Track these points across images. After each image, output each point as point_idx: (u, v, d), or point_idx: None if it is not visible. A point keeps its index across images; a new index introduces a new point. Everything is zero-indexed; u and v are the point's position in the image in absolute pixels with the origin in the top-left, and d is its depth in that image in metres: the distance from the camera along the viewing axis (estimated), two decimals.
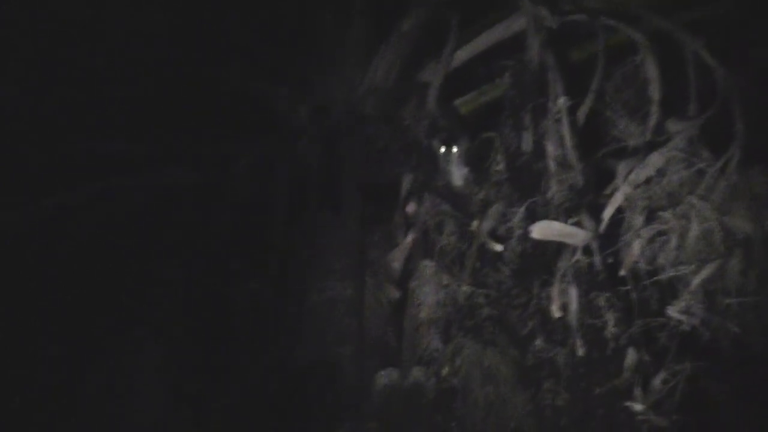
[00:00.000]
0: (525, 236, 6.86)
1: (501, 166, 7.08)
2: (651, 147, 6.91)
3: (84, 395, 7.74)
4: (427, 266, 7.20)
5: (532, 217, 6.88)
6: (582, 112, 7.17)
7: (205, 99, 8.25)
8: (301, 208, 7.96)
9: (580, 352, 6.69)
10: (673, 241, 6.78)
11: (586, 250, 6.80)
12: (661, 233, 6.81)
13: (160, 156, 8.22)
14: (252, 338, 7.74)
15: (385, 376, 7.29)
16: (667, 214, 6.77)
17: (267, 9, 8.22)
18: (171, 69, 8.13)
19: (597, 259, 6.80)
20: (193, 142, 8.31)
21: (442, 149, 7.38)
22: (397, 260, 7.55)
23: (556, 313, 6.75)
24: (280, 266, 7.93)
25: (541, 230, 6.80)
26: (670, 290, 6.76)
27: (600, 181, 7.02)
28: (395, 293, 7.61)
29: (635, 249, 6.80)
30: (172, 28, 8.13)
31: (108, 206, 8.12)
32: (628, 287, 6.74)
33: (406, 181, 7.60)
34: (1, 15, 7.73)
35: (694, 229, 6.71)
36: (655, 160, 6.84)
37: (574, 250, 6.81)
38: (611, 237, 6.88)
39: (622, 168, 6.93)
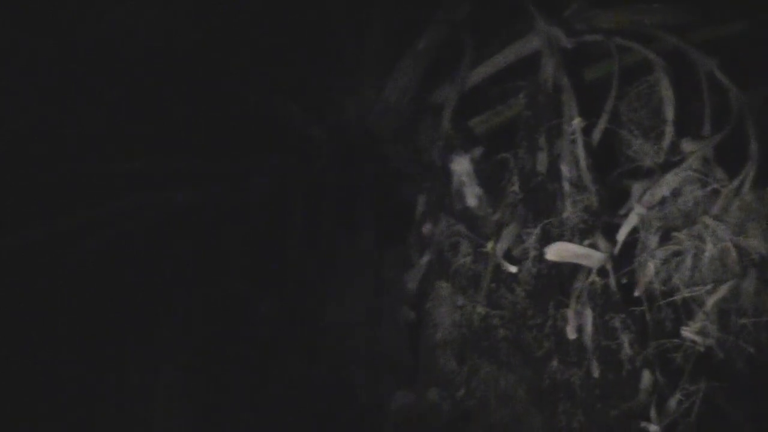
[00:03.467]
0: (540, 257, 6.85)
1: (516, 187, 7.07)
2: (665, 167, 6.89)
3: (99, 415, 7.75)
4: (442, 287, 7.19)
5: (546, 239, 6.87)
6: (596, 133, 7.16)
7: (220, 117, 8.26)
8: (316, 228, 7.96)
9: (596, 373, 6.68)
10: (688, 262, 6.76)
11: (601, 271, 6.78)
12: (675, 254, 6.79)
13: (174, 174, 8.23)
14: (267, 358, 7.74)
15: (401, 397, 7.30)
16: (681, 235, 6.75)
17: (283, 28, 8.24)
18: (185, 87, 8.15)
19: (612, 281, 6.78)
20: (208, 160, 8.32)
21: (457, 170, 7.37)
22: (412, 281, 7.54)
23: (571, 334, 6.73)
24: (295, 286, 7.93)
25: (556, 252, 6.79)
26: (685, 311, 6.75)
27: (614, 201, 7.01)
28: (410, 314, 7.60)
29: (650, 270, 6.78)
30: (187, 47, 8.15)
31: (122, 225, 8.13)
32: (643, 308, 6.73)
33: (421, 202, 7.59)
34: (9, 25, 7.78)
35: (709, 250, 6.70)
36: (670, 180, 6.82)
37: (589, 271, 6.80)
38: (626, 258, 6.87)
39: (636, 188, 6.92)
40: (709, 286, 6.71)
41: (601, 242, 6.79)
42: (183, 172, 8.24)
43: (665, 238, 6.82)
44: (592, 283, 6.77)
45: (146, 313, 7.93)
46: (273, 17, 8.25)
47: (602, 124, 7.17)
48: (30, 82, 8.01)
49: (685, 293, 6.75)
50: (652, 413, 6.64)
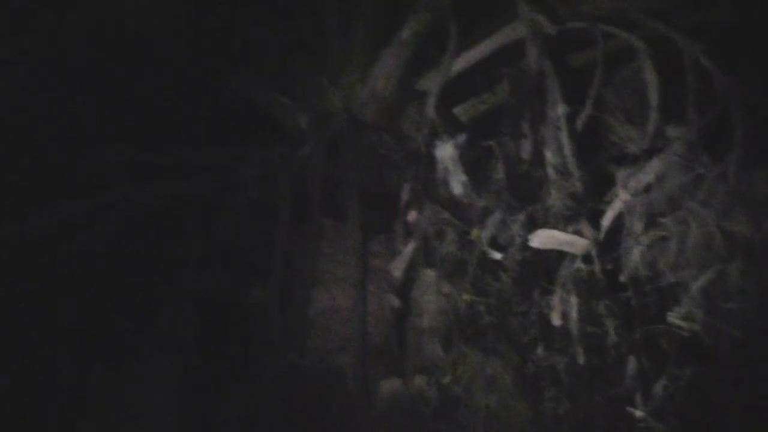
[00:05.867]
0: (525, 244, 6.87)
1: (500, 174, 7.09)
2: (650, 153, 6.91)
3: (91, 403, 7.75)
4: (428, 274, 7.21)
5: (532, 225, 6.89)
6: (581, 119, 7.17)
7: (207, 107, 8.27)
8: (303, 216, 7.96)
9: (581, 359, 6.70)
10: (673, 247, 6.80)
11: (586, 258, 6.80)
12: (661, 239, 6.83)
13: (162, 165, 8.24)
14: (254, 347, 7.75)
15: (388, 385, 7.31)
16: (666, 220, 6.79)
17: (269, 18, 8.25)
18: (172, 77, 8.15)
19: (597, 267, 6.79)
20: (196, 150, 8.33)
21: (442, 157, 7.37)
22: (398, 269, 7.54)
23: (557, 321, 6.76)
24: (283, 274, 7.94)
25: (541, 238, 6.82)
26: (671, 296, 6.78)
27: (599, 187, 7.02)
28: (397, 302, 7.61)
29: (635, 255, 6.82)
30: (175, 37, 8.15)
31: (113, 215, 8.13)
32: (629, 294, 6.75)
33: (406, 190, 7.59)
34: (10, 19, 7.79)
35: (694, 235, 6.73)
36: (655, 165, 6.84)
37: (574, 257, 6.81)
38: (611, 244, 6.89)
39: (621, 174, 6.93)
40: (694, 271, 6.74)
41: (586, 228, 6.81)
42: (170, 164, 8.24)
43: (650, 223, 6.86)
44: (578, 269, 6.80)
45: (137, 303, 7.93)
46: (258, 7, 8.25)
47: (587, 110, 7.19)
48: (23, 75, 8.00)
49: (671, 278, 6.78)
50: (638, 399, 6.65)
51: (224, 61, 8.24)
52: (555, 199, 6.85)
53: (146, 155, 8.18)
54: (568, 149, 6.95)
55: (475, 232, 7.04)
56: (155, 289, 8.00)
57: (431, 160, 7.41)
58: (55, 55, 7.98)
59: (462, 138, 7.35)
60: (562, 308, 6.77)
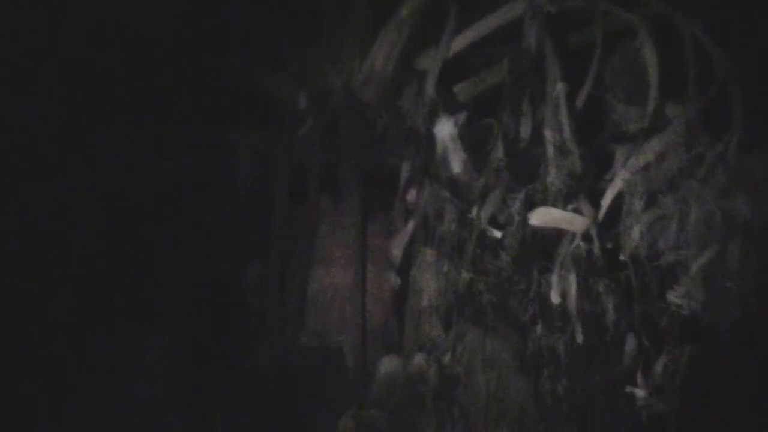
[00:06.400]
0: (524, 223, 6.86)
1: (500, 153, 7.07)
2: (650, 132, 6.89)
3: (84, 383, 7.76)
4: (428, 253, 7.20)
5: (531, 204, 6.88)
6: (580, 98, 7.16)
7: (205, 86, 8.24)
8: (301, 195, 7.96)
9: (580, 338, 6.70)
10: (673, 226, 6.79)
11: (586, 236, 6.79)
12: (660, 218, 6.82)
13: (159, 144, 8.22)
14: (253, 326, 7.75)
15: (387, 364, 7.31)
16: (666, 199, 6.78)
17: None
18: (170, 56, 8.13)
19: (596, 245, 6.78)
20: (193, 129, 8.30)
21: (441, 136, 7.35)
22: (397, 247, 7.56)
23: (556, 299, 6.76)
24: (281, 254, 7.93)
25: (540, 217, 6.81)
26: (670, 275, 6.78)
27: (599, 166, 7.01)
28: (396, 280, 7.62)
29: (635, 234, 6.80)
30: (171, 16, 8.13)
31: (108, 194, 8.11)
32: (628, 273, 6.74)
33: (406, 168, 7.58)
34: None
35: (694, 214, 6.72)
36: (654, 144, 6.83)
37: (574, 236, 6.81)
38: (610, 222, 6.88)
39: (621, 153, 6.93)
40: (694, 250, 6.73)
41: (586, 207, 6.80)
42: (168, 143, 8.22)
43: (650, 202, 6.84)
44: (577, 247, 6.79)
45: (131, 280, 7.93)
46: None
47: (586, 88, 7.17)
48: (21, 57, 7.98)
49: (670, 257, 6.78)
50: (638, 377, 6.64)
51: (221, 39, 8.21)
52: (554, 178, 6.83)
53: (141, 133, 8.15)
54: (567, 128, 6.94)
55: (474, 211, 7.03)
56: (148, 269, 8.00)
57: (431, 139, 7.39)
58: (47, 32, 7.96)
59: (461, 117, 7.33)
60: (562, 287, 6.77)
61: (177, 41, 8.15)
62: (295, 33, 8.25)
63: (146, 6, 8.07)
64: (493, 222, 7.01)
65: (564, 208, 6.78)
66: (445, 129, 7.31)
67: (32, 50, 8.00)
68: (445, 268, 7.11)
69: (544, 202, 6.86)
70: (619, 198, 6.89)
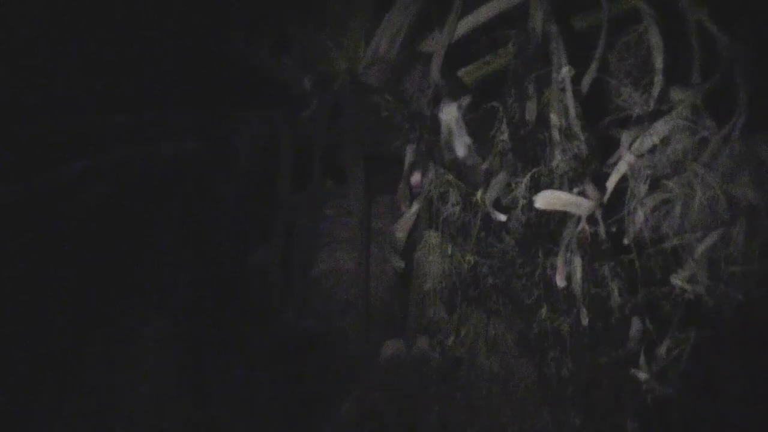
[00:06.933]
0: (529, 206, 6.86)
1: (505, 136, 7.06)
2: (655, 115, 6.89)
3: (85, 368, 7.75)
4: (432, 236, 7.21)
5: (536, 187, 6.88)
6: (586, 81, 7.15)
7: (209, 69, 8.25)
8: (305, 179, 7.97)
9: (585, 321, 6.70)
10: (678, 210, 6.80)
11: (591, 220, 6.79)
12: (665, 202, 6.83)
13: (163, 127, 8.22)
14: (257, 309, 7.76)
15: (391, 347, 7.33)
16: (671, 183, 6.78)
17: None
18: (174, 39, 8.13)
19: (601, 229, 6.79)
20: (198, 112, 8.31)
21: (446, 119, 7.36)
22: (401, 230, 7.56)
23: (561, 282, 6.75)
24: (285, 237, 7.94)
25: (545, 200, 6.79)
26: (675, 259, 6.78)
27: (604, 150, 7.00)
28: (400, 263, 7.63)
29: (639, 218, 6.81)
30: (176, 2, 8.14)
31: (111, 178, 8.11)
32: (632, 256, 6.74)
33: (410, 152, 7.59)
34: None
35: (698, 198, 6.72)
36: (659, 128, 6.82)
37: (579, 219, 6.81)
38: (615, 206, 6.88)
39: (625, 137, 6.91)
40: (698, 234, 6.74)
41: (591, 190, 6.80)
42: (173, 125, 8.22)
43: (654, 186, 6.84)
44: (582, 231, 6.79)
45: (134, 265, 7.92)
46: None
47: (591, 72, 7.16)
48: (21, 37, 7.97)
49: (675, 241, 6.78)
50: (642, 361, 6.65)
51: (225, 22, 8.21)
52: (559, 161, 6.83)
53: (144, 118, 8.15)
54: (572, 111, 6.93)
55: (479, 194, 7.03)
56: (151, 253, 8.00)
57: (435, 122, 7.40)
58: (45, 18, 7.95)
59: (466, 100, 7.34)
60: (566, 270, 6.77)
61: (180, 25, 8.14)
62: (299, 16, 8.25)
63: None
64: (498, 205, 7.01)
65: (569, 192, 6.77)
66: (449, 112, 7.32)
67: (29, 37, 7.99)
68: (450, 251, 7.12)
69: (549, 186, 6.85)
70: (623, 181, 6.89)
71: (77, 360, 7.74)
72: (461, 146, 7.32)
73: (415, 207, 7.50)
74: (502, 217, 6.94)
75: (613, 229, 6.85)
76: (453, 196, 7.20)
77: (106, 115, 8.09)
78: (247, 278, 7.93)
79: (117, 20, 8.04)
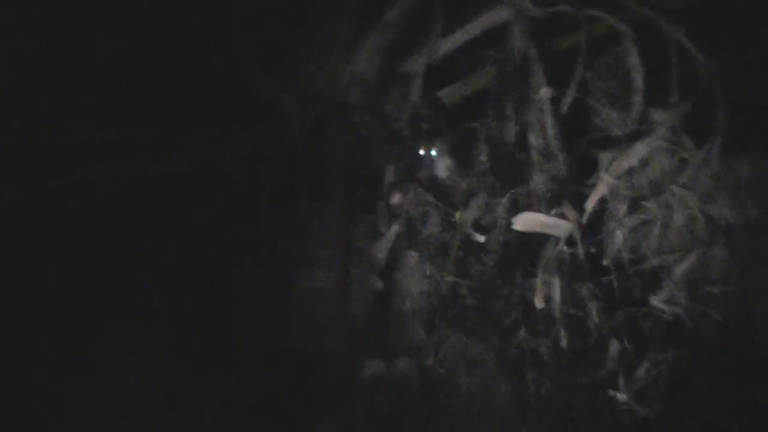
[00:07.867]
0: (508, 227, 6.88)
1: (484, 157, 7.09)
2: (634, 136, 6.91)
3: (75, 383, 7.75)
4: (411, 257, 7.23)
5: (515, 208, 6.90)
6: (565, 102, 7.17)
7: (193, 87, 8.25)
8: (287, 197, 7.97)
9: (564, 342, 6.72)
10: (656, 231, 6.82)
11: (569, 241, 6.81)
12: (643, 222, 6.86)
13: (147, 143, 8.22)
14: (238, 327, 7.76)
15: (372, 366, 7.33)
16: (650, 204, 6.80)
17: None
18: (159, 57, 8.13)
19: (580, 250, 6.80)
20: (181, 129, 8.31)
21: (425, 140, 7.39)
22: (381, 250, 7.57)
23: (539, 303, 6.77)
24: (267, 255, 7.95)
25: (524, 221, 6.82)
26: (654, 279, 6.80)
27: (583, 171, 7.02)
28: (380, 283, 7.63)
29: (618, 239, 6.84)
30: (161, 16, 8.13)
31: (96, 193, 8.11)
32: (611, 277, 6.76)
33: (390, 172, 7.60)
34: None
35: (677, 218, 6.76)
36: (638, 149, 6.86)
37: (557, 240, 6.83)
38: (594, 227, 6.90)
39: (604, 158, 6.94)
40: (677, 255, 6.76)
41: (569, 211, 6.82)
42: (157, 141, 8.22)
43: (634, 207, 6.87)
44: (560, 252, 6.81)
45: (119, 280, 7.93)
46: None
47: (571, 93, 7.18)
48: (9, 50, 7.98)
49: (654, 262, 6.81)
50: (620, 382, 6.66)
51: (210, 41, 8.22)
52: (538, 182, 6.86)
53: (129, 133, 8.15)
54: (551, 132, 6.96)
55: (458, 215, 7.05)
56: (135, 269, 8.00)
57: (415, 143, 7.42)
58: (36, 28, 7.96)
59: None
60: (545, 291, 6.79)
61: (166, 41, 8.14)
62: (283, 35, 8.26)
63: (135, 6, 8.07)
64: (477, 226, 7.02)
65: (548, 213, 6.79)
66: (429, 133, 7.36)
67: (22, 47, 8.00)
68: (429, 272, 7.13)
69: (528, 207, 6.87)
70: (602, 202, 6.90)
71: (65, 375, 7.75)
72: (441, 167, 7.34)
73: (394, 227, 7.50)
74: (481, 238, 6.97)
75: (592, 250, 6.88)
76: (432, 217, 7.22)
77: (91, 129, 8.08)
78: (229, 296, 7.93)
79: (105, 37, 8.04)
